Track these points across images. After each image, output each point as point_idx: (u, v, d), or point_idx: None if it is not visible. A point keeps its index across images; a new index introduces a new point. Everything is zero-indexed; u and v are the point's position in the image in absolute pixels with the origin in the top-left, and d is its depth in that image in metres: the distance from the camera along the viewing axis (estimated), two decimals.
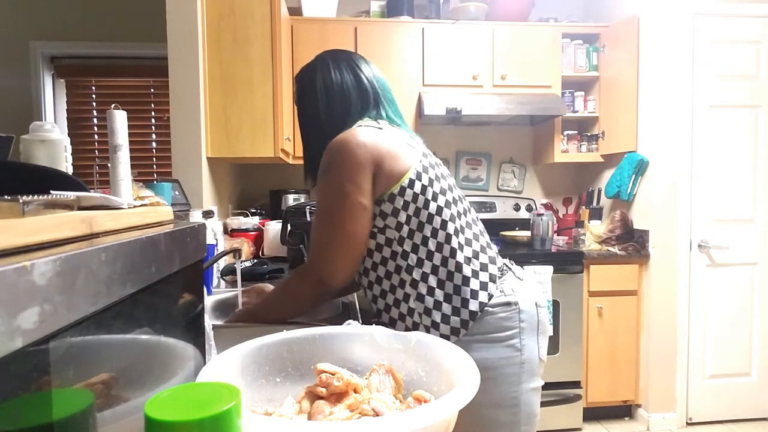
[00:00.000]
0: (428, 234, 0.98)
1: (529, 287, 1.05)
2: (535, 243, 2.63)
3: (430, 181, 1.00)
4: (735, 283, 2.59)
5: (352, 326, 0.71)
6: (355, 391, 0.54)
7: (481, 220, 3.01)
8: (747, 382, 2.62)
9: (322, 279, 0.99)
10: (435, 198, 0.99)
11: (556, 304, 2.51)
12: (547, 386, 2.54)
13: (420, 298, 0.99)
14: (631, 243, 2.64)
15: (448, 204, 1.01)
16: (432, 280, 0.99)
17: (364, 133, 0.98)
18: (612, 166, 2.86)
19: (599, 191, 2.97)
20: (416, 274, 0.99)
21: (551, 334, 2.45)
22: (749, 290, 2.60)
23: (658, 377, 2.57)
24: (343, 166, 0.96)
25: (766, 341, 2.61)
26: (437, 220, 0.99)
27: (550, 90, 2.78)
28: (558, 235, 2.99)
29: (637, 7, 2.65)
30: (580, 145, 2.92)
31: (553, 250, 2.59)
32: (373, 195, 0.98)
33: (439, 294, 0.98)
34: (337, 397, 0.53)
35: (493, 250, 1.08)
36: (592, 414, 2.66)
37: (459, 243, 1.00)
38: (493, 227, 2.99)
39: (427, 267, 0.99)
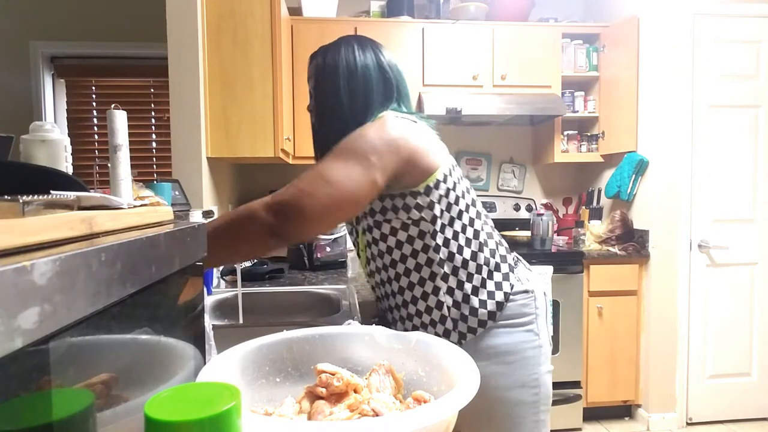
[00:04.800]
0: (458, 229, 1.00)
1: (537, 277, 1.11)
2: (535, 243, 2.63)
3: (458, 179, 1.03)
4: (735, 283, 2.59)
5: (352, 326, 0.71)
6: (355, 391, 0.54)
7: None
8: (747, 382, 2.62)
9: (284, 231, 0.87)
10: (463, 195, 1.02)
11: (556, 304, 2.51)
12: None
13: (450, 291, 1.01)
14: (631, 243, 2.64)
15: (473, 202, 1.05)
16: (462, 274, 1.01)
17: (404, 123, 0.97)
18: (612, 166, 2.86)
19: (599, 191, 2.97)
20: (447, 268, 1.00)
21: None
22: (749, 290, 2.60)
23: (658, 377, 2.57)
24: (378, 138, 0.92)
25: (766, 341, 2.61)
26: (466, 216, 1.01)
27: (550, 90, 2.78)
28: (558, 235, 2.99)
29: (637, 7, 2.64)
30: (580, 145, 2.92)
31: (553, 250, 2.59)
32: (402, 186, 0.97)
33: (468, 287, 1.01)
34: (337, 397, 0.53)
35: (505, 245, 1.11)
36: (592, 414, 2.66)
37: (484, 238, 1.03)
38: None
39: (457, 261, 1.00)
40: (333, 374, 0.54)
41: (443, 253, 1.00)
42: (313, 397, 0.55)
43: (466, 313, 1.01)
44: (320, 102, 1.10)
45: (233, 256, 0.91)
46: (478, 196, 3.03)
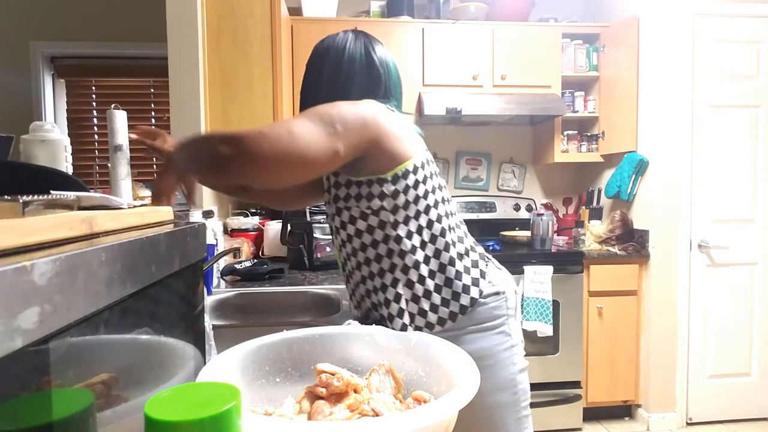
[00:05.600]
0: (423, 224, 0.99)
1: (508, 276, 1.10)
2: (535, 243, 2.63)
3: (431, 174, 1.01)
4: (735, 283, 2.59)
5: (352, 326, 0.71)
6: (355, 391, 0.54)
7: (481, 220, 3.02)
8: (747, 382, 2.62)
9: (230, 164, 0.82)
10: (434, 191, 1.00)
11: (556, 304, 2.51)
12: (547, 386, 2.54)
13: (409, 284, 1.00)
14: (631, 243, 2.64)
15: (443, 200, 1.03)
16: (423, 269, 0.99)
17: (379, 106, 0.97)
18: (612, 166, 2.86)
19: (599, 191, 2.97)
20: (408, 261, 0.99)
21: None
22: (749, 290, 2.60)
23: (658, 377, 2.57)
24: (348, 111, 0.91)
25: (766, 341, 2.61)
26: (434, 213, 1.00)
27: (550, 90, 2.78)
28: (558, 235, 2.99)
29: (637, 7, 2.64)
30: (580, 145, 2.92)
31: (553, 250, 2.59)
32: (369, 170, 0.96)
33: (429, 284, 0.99)
34: (337, 397, 0.53)
35: (479, 249, 1.09)
36: (592, 414, 2.66)
37: (452, 239, 1.02)
38: (493, 227, 2.99)
39: (419, 255, 0.99)
40: (333, 374, 0.54)
41: (404, 244, 0.98)
42: (313, 397, 0.55)
43: (426, 308, 1.00)
44: (304, 84, 1.11)
45: (191, 171, 0.87)
46: (478, 196, 3.05)
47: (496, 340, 1.01)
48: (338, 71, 1.06)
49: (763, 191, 2.58)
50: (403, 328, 1.00)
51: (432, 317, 1.00)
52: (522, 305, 2.45)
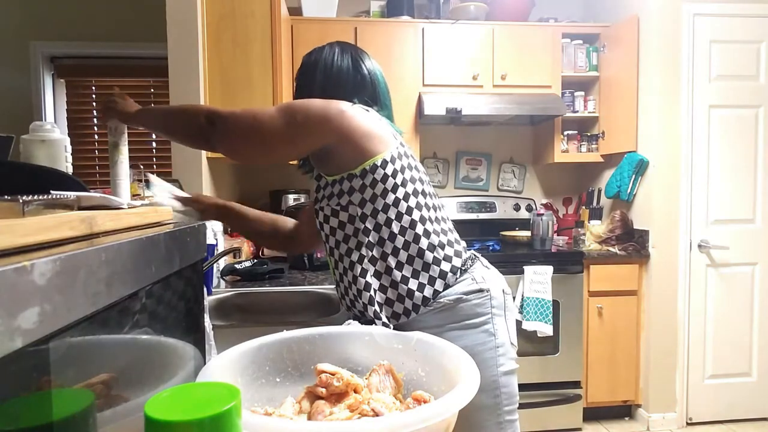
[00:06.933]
0: (392, 216, 1.01)
1: (496, 275, 1.10)
2: (535, 243, 2.63)
3: (402, 168, 1.03)
4: (735, 283, 2.59)
5: (352, 326, 0.71)
6: (355, 392, 0.54)
7: (481, 220, 3.01)
8: (747, 382, 2.62)
9: (210, 137, 0.99)
10: (404, 184, 1.02)
11: (556, 304, 2.51)
12: (547, 386, 2.54)
13: (377, 275, 1.02)
14: (631, 243, 2.64)
15: (416, 193, 1.04)
16: (391, 261, 1.01)
17: (348, 105, 1.01)
18: (612, 166, 2.86)
19: (599, 191, 2.97)
20: (376, 252, 1.01)
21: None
22: (749, 290, 2.60)
23: (658, 377, 2.57)
24: (316, 105, 0.99)
25: (766, 341, 2.61)
26: (403, 205, 1.01)
27: (550, 90, 2.78)
28: (558, 235, 2.99)
29: (637, 6, 2.65)
30: (580, 145, 2.92)
31: (553, 250, 2.59)
32: (340, 166, 1.00)
33: (396, 275, 1.01)
34: (337, 397, 0.54)
35: (457, 246, 1.09)
36: (592, 414, 2.66)
37: (425, 230, 1.03)
38: (493, 227, 2.99)
39: (387, 247, 1.01)
40: (333, 374, 0.54)
41: (373, 236, 1.01)
42: (313, 397, 0.55)
43: (393, 298, 1.01)
44: (297, 94, 1.17)
45: (169, 134, 1.07)
46: (478, 196, 3.05)
47: (478, 338, 1.01)
48: (328, 82, 1.11)
49: (763, 191, 2.58)
50: (376, 315, 1.01)
51: (398, 307, 1.01)
52: (522, 305, 2.45)
